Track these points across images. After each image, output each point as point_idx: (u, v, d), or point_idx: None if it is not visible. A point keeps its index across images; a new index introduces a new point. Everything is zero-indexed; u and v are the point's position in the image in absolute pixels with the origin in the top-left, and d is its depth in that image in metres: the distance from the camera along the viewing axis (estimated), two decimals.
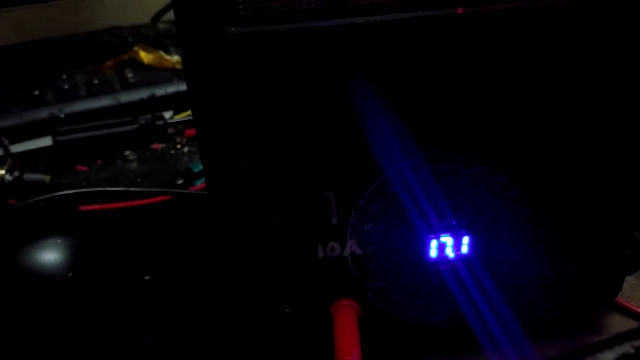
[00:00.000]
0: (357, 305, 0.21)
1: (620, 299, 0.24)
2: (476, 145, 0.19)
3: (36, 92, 0.45)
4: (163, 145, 0.42)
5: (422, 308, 0.21)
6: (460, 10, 0.17)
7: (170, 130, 0.43)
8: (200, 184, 0.35)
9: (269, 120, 0.18)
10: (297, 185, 0.19)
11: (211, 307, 0.26)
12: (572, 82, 0.19)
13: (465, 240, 0.20)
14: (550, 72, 0.18)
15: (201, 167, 0.37)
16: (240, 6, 0.17)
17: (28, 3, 0.54)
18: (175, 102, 0.45)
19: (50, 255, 0.24)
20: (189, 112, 0.45)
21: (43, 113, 0.43)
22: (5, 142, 0.40)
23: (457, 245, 0.20)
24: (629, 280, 0.26)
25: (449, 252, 0.20)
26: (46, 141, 0.41)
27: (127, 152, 0.41)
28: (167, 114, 0.44)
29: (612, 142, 0.20)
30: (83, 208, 0.32)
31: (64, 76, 0.47)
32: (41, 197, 0.31)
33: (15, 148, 0.41)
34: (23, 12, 0.60)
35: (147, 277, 0.28)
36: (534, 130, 0.19)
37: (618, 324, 0.24)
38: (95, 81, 0.46)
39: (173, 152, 0.41)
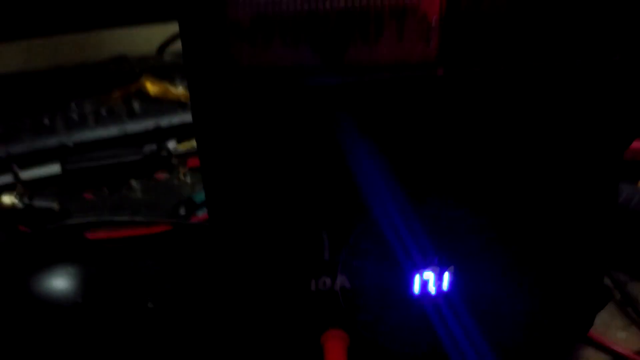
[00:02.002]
0: (346, 335, 0.22)
1: (593, 333, 0.26)
2: (456, 191, 0.21)
3: (46, 121, 0.47)
4: (167, 174, 0.44)
5: (406, 341, 0.23)
6: (440, 72, 0.20)
7: (173, 161, 0.45)
8: (202, 214, 0.37)
9: (270, 164, 0.20)
10: (294, 223, 0.21)
11: (210, 332, 0.27)
12: (545, 141, 0.21)
13: (446, 277, 0.22)
14: (523, 131, 0.20)
15: (203, 197, 0.38)
16: (241, 63, 0.19)
17: (39, 35, 0.57)
18: (179, 133, 0.47)
19: (60, 282, 0.26)
20: (192, 142, 0.47)
21: (52, 141, 0.45)
22: (15, 169, 0.42)
23: (438, 282, 0.22)
24: (603, 316, 0.27)
25: (431, 289, 0.22)
26: (55, 169, 0.43)
27: (132, 181, 0.43)
28: (171, 144, 0.46)
29: (582, 197, 0.22)
30: (89, 235, 0.34)
31: (73, 105, 0.49)
32: (51, 226, 0.32)
33: (25, 175, 0.42)
34: (34, 42, 0.63)
35: (150, 305, 0.29)
36: (510, 180, 0.21)
37: (591, 356, 0.26)
38: (103, 111, 0.48)
39: (176, 181, 0.43)
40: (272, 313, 0.22)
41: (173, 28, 0.64)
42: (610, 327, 0.27)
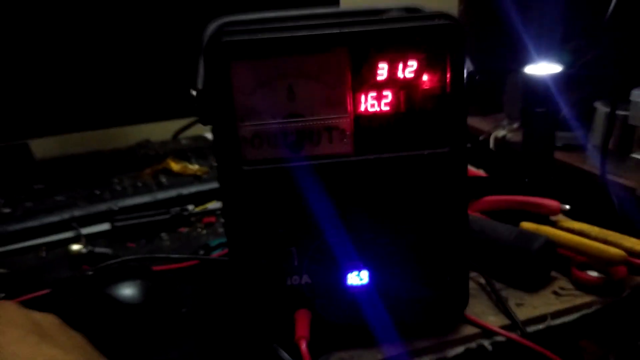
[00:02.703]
0: (309, 313, 0.37)
1: (471, 316, 0.41)
2: (370, 222, 0.37)
3: (97, 192, 0.63)
4: (188, 229, 0.59)
5: (346, 315, 0.38)
6: (353, 158, 0.36)
7: (192, 219, 0.60)
8: (215, 254, 0.52)
9: (263, 210, 0.36)
10: (276, 243, 0.37)
11: (226, 323, 0.42)
12: (414, 193, 0.37)
13: (366, 274, 0.37)
14: (400, 187, 0.37)
15: (216, 243, 0.54)
16: (247, 158, 0.35)
17: (74, 131, 0.72)
18: (196, 199, 0.63)
19: (131, 290, 0.41)
20: (206, 205, 0.63)
21: (102, 206, 0.61)
22: (77, 226, 0.58)
23: (361, 277, 0.37)
24: (480, 307, 0.42)
25: (358, 281, 0.37)
26: (105, 226, 0.59)
27: (162, 234, 0.58)
28: (191, 207, 0.62)
29: (442, 228, 0.38)
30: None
31: (116, 180, 0.66)
32: (115, 260, 0.48)
33: (84, 231, 0.58)
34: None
35: (183, 310, 0.44)
36: (399, 217, 0.37)
37: (467, 330, 0.40)
38: (139, 184, 0.64)
39: (195, 233, 0.58)
40: (263, 300, 0.37)
41: (182, 121, 0.81)
42: (484, 314, 0.42)
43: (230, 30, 0.34)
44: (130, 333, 0.40)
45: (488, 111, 0.92)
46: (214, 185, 0.65)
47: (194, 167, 0.67)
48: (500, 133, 0.85)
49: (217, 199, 0.63)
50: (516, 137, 0.82)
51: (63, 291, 0.41)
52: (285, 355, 0.35)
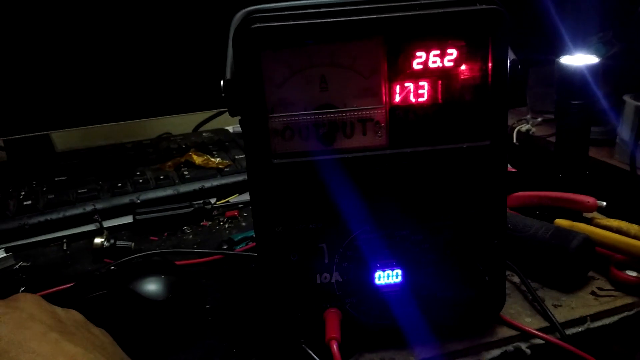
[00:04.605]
0: (340, 312, 0.36)
1: (505, 315, 0.39)
2: (404, 221, 0.35)
3: (119, 184, 0.62)
4: (210, 222, 0.58)
5: (377, 315, 0.36)
6: (388, 151, 0.34)
7: (214, 213, 0.59)
8: (239, 248, 0.51)
9: (293, 204, 0.35)
10: (306, 240, 0.35)
11: (249, 319, 0.41)
12: (450, 189, 0.35)
13: (401, 272, 0.36)
14: (436, 183, 0.35)
15: (240, 237, 0.53)
16: (277, 150, 0.34)
17: (94, 124, 0.71)
18: (218, 192, 0.62)
19: (155, 285, 0.40)
20: (229, 199, 0.62)
21: (125, 199, 0.60)
22: (99, 219, 0.57)
23: (394, 276, 0.36)
24: (516, 308, 0.41)
25: (390, 280, 0.36)
26: (128, 219, 0.58)
27: (185, 227, 0.57)
28: (213, 201, 0.61)
29: (480, 225, 0.36)
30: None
31: (138, 173, 0.65)
32: (139, 255, 0.47)
33: (106, 224, 0.57)
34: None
35: (207, 306, 0.43)
36: (435, 214, 0.36)
37: (503, 332, 0.39)
38: (161, 176, 0.63)
39: (217, 227, 0.57)
40: (292, 298, 0.36)
41: (203, 114, 0.80)
42: (520, 315, 0.40)
43: (260, 16, 0.33)
44: (154, 329, 0.39)
45: (510, 105, 0.89)
46: (237, 178, 0.64)
47: (216, 160, 0.66)
48: (524, 127, 0.83)
49: (244, 193, 0.62)
50: (540, 131, 0.79)
51: (86, 286, 0.40)
52: (315, 357, 0.34)
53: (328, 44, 0.33)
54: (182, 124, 0.88)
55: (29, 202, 0.58)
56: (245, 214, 0.59)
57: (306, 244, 0.35)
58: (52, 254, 0.54)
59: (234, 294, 0.45)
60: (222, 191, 0.62)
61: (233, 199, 0.62)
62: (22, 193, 0.61)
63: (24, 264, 0.51)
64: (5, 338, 0.27)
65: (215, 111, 0.81)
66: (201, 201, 0.59)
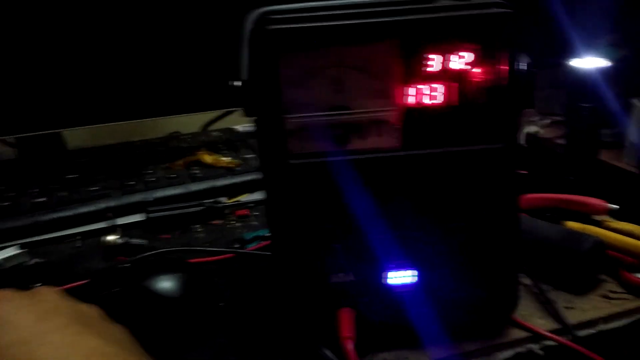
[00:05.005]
0: (353, 311, 0.36)
1: (517, 317, 0.39)
2: (417, 221, 0.36)
3: (130, 183, 0.63)
4: (221, 221, 0.59)
5: (390, 315, 0.37)
6: (402, 152, 0.35)
7: (226, 211, 0.60)
8: (251, 247, 0.51)
9: (308, 204, 0.35)
10: (320, 239, 0.35)
11: (261, 318, 0.41)
12: (464, 190, 0.35)
13: (414, 273, 0.36)
14: (455, 189, 0.35)
15: (251, 236, 0.53)
16: (293, 151, 0.34)
17: (105, 122, 0.72)
18: (229, 191, 0.63)
19: (169, 283, 0.40)
20: (239, 197, 0.62)
21: (136, 197, 0.60)
22: (112, 216, 0.58)
23: (407, 277, 0.36)
24: (528, 309, 0.41)
25: (404, 280, 0.36)
26: (139, 217, 0.58)
27: (196, 226, 0.58)
28: (223, 199, 0.61)
29: (493, 226, 0.36)
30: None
31: (150, 171, 0.66)
32: (152, 252, 0.47)
33: (119, 221, 0.58)
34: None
35: (221, 304, 0.43)
36: (449, 214, 0.36)
37: (515, 333, 0.39)
38: (172, 175, 0.64)
39: (228, 226, 0.58)
40: (306, 297, 0.36)
41: (210, 114, 0.81)
42: (532, 316, 0.41)
43: (278, 18, 0.33)
44: (168, 326, 0.39)
45: (524, 107, 0.89)
46: (247, 177, 0.64)
47: (226, 160, 0.66)
48: (532, 129, 0.82)
49: (255, 192, 0.62)
50: (549, 133, 0.79)
51: (101, 282, 0.41)
52: (330, 354, 0.34)
53: (344, 46, 0.33)
54: (188, 123, 0.88)
55: (43, 199, 0.58)
56: (256, 213, 0.60)
57: (321, 244, 0.36)
58: (66, 250, 0.54)
59: (247, 292, 0.45)
60: (233, 190, 0.63)
61: (244, 197, 0.62)
62: (35, 190, 0.61)
63: (39, 260, 0.51)
64: (28, 329, 0.27)
65: (224, 111, 0.81)
66: (212, 200, 0.60)
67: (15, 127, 0.66)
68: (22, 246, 0.53)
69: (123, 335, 0.32)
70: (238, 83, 0.34)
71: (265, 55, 0.33)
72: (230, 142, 0.75)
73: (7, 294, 0.31)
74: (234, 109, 0.75)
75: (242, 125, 0.84)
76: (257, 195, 0.62)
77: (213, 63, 0.68)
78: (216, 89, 0.69)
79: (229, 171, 0.65)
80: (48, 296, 0.31)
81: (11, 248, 0.52)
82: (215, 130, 0.83)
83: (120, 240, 0.53)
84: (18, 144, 0.72)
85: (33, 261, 0.50)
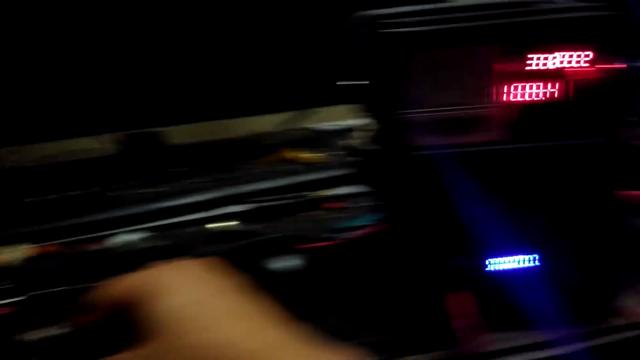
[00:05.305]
0: (469, 294, 0.39)
1: (619, 306, 0.41)
2: (529, 209, 0.38)
3: (225, 176, 0.68)
4: (313, 212, 0.63)
5: (502, 299, 0.39)
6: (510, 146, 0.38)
7: (318, 204, 0.64)
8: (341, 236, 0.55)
9: (425, 193, 0.38)
10: (436, 226, 0.39)
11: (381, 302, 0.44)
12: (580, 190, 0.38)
13: (524, 258, 0.39)
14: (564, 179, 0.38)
15: (345, 226, 0.57)
16: (411, 144, 0.38)
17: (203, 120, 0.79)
18: (320, 185, 0.67)
19: (291, 263, 0.45)
20: (330, 191, 0.66)
21: (234, 190, 0.66)
22: (220, 205, 0.63)
23: (519, 262, 0.39)
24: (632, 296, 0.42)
25: (515, 265, 0.39)
26: (240, 207, 0.64)
27: (289, 218, 0.62)
28: (314, 193, 0.65)
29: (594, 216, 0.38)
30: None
31: (246, 166, 0.71)
32: (264, 237, 0.52)
33: (228, 210, 0.63)
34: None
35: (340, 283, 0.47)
36: (562, 202, 0.38)
37: (618, 322, 0.40)
38: (268, 169, 0.69)
39: (319, 217, 0.62)
40: (422, 280, 0.40)
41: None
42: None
43: (398, 22, 0.36)
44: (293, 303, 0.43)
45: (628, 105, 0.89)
46: (334, 173, 0.68)
47: (315, 155, 0.71)
48: None
49: (345, 185, 0.66)
50: None
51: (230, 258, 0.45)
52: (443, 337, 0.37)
53: (462, 47, 0.36)
54: (260, 122, 0.93)
55: (165, 188, 0.65)
56: (347, 206, 0.64)
57: (436, 230, 0.39)
58: (185, 235, 0.59)
59: (357, 276, 0.48)
60: (324, 184, 0.67)
61: (335, 190, 0.66)
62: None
63: (166, 242, 0.57)
64: (195, 291, 0.30)
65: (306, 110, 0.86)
66: (304, 192, 0.64)
67: (127, 124, 0.74)
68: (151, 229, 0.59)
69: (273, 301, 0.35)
70: (363, 82, 0.38)
71: (394, 56, 0.36)
72: (312, 139, 0.80)
73: (164, 266, 0.34)
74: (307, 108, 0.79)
75: (318, 124, 0.88)
76: (346, 189, 0.66)
77: (296, 66, 0.73)
78: (296, 90, 0.74)
79: (319, 166, 0.69)
80: (201, 266, 0.34)
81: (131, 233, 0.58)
82: (293, 130, 0.87)
83: (233, 227, 0.58)
84: (127, 139, 0.79)
85: (164, 244, 0.55)
